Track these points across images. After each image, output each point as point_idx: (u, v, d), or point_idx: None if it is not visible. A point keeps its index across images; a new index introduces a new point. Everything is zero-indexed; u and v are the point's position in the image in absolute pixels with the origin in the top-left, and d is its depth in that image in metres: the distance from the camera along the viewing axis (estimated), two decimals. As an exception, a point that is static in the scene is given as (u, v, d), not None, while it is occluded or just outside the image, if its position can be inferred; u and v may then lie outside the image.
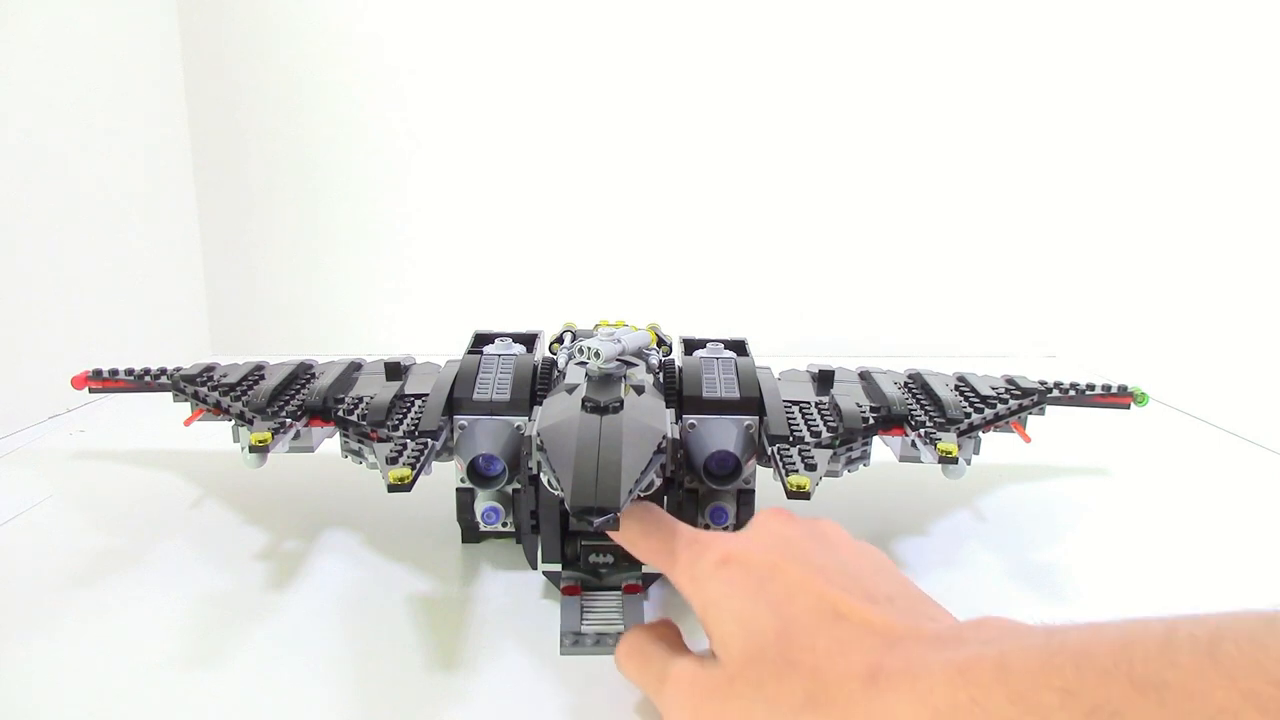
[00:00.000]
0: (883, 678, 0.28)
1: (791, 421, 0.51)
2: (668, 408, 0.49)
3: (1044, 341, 1.20)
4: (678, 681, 0.34)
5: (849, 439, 0.51)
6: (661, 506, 0.42)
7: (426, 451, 0.47)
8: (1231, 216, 0.88)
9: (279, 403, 0.54)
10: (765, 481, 0.50)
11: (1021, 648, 0.26)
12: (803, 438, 0.50)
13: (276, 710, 0.39)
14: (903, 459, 0.54)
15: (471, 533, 0.56)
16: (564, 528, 0.48)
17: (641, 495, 0.39)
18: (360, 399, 0.55)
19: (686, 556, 0.36)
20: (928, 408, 0.55)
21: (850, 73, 1.11)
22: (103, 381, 0.64)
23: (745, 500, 0.52)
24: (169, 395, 0.62)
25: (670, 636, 0.39)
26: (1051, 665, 0.24)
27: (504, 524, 0.51)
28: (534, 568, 0.52)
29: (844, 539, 0.38)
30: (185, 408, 0.60)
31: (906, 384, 0.60)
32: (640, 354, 0.55)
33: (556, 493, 0.39)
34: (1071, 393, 0.62)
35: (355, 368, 0.62)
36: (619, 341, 0.50)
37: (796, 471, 0.45)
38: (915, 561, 0.55)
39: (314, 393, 0.55)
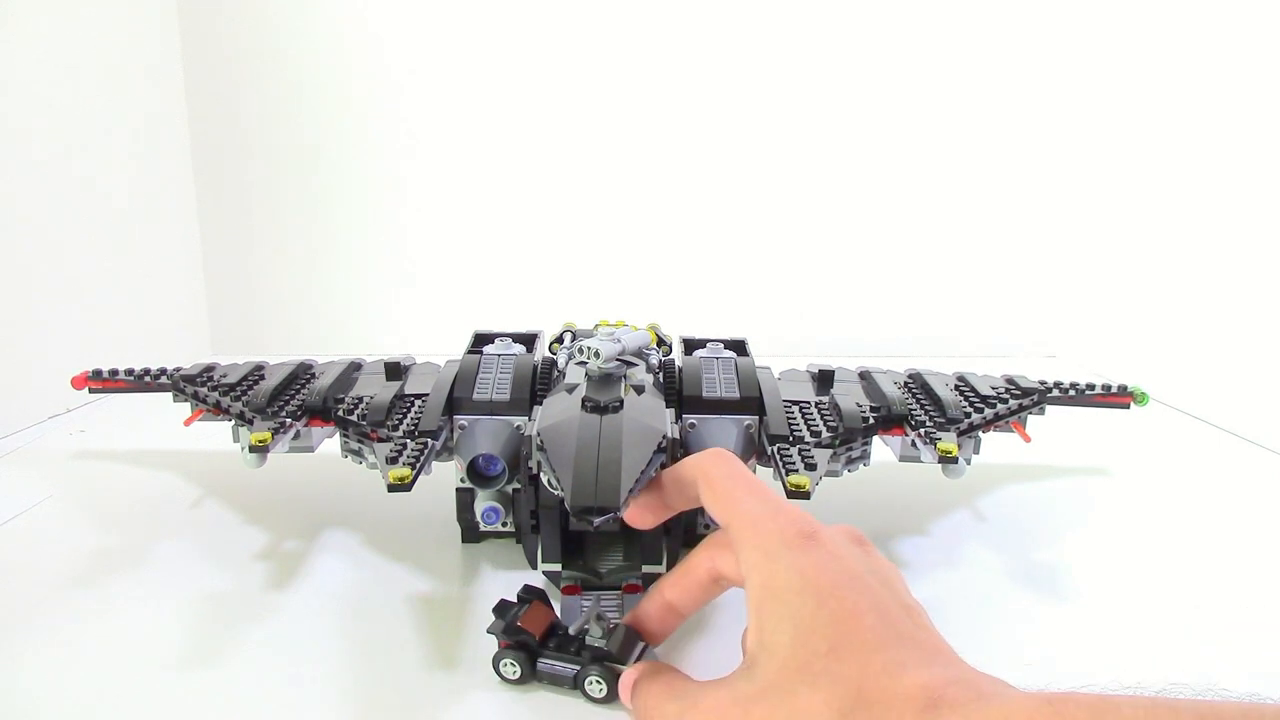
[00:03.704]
0: (945, 707, 0.26)
1: (791, 421, 0.51)
2: (668, 408, 0.49)
3: (1044, 341, 1.20)
4: (711, 709, 0.32)
5: (849, 439, 0.51)
6: None
7: (426, 451, 0.47)
8: (1231, 217, 0.88)
9: (279, 403, 0.54)
10: (765, 482, 0.50)
11: (1117, 696, 0.25)
12: (803, 438, 0.50)
13: (276, 710, 0.39)
14: (903, 459, 0.54)
15: (471, 533, 0.56)
16: (564, 528, 0.48)
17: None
18: (360, 399, 0.55)
19: (757, 516, 0.34)
20: (928, 407, 0.55)
21: (850, 72, 1.11)
22: (103, 381, 0.64)
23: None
24: (169, 395, 0.62)
25: (674, 671, 0.36)
26: (1156, 711, 0.23)
27: (504, 524, 0.51)
28: (534, 568, 0.52)
29: (907, 589, 0.36)
30: (185, 408, 0.60)
31: (906, 384, 0.60)
32: (640, 354, 0.55)
33: (556, 492, 0.39)
34: (1071, 393, 0.62)
35: (355, 368, 0.62)
36: (619, 341, 0.50)
37: (796, 471, 0.45)
38: (915, 561, 0.55)
39: (314, 393, 0.55)
